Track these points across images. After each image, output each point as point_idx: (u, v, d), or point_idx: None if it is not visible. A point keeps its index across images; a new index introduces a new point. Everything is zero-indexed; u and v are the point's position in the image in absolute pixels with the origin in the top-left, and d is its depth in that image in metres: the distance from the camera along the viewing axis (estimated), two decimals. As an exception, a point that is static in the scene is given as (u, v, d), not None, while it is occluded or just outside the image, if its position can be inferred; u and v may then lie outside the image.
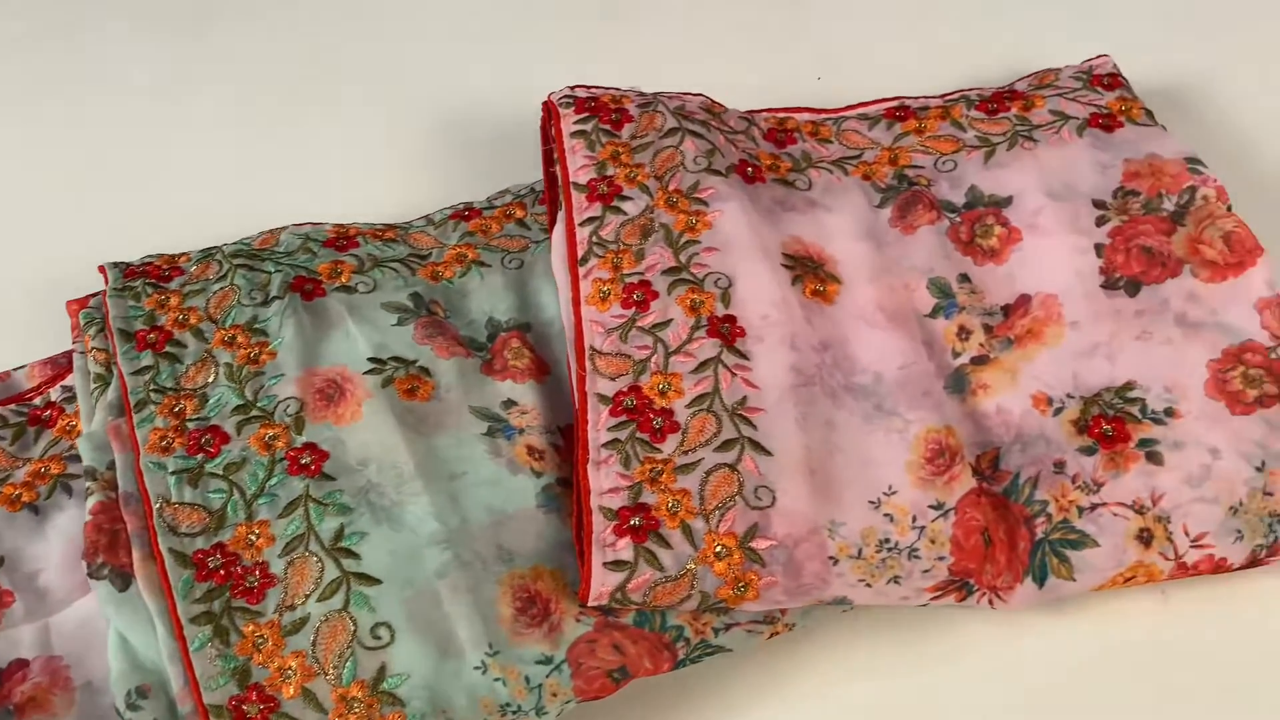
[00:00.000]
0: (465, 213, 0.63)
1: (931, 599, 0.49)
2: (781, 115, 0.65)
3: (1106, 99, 0.62)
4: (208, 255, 0.58)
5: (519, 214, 0.63)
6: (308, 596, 0.46)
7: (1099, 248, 0.56)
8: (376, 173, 0.70)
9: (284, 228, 0.61)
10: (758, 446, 0.49)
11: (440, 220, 0.63)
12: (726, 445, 0.49)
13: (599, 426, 0.50)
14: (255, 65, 0.76)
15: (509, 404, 0.53)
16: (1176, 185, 0.57)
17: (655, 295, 0.53)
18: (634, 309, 0.53)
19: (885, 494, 0.49)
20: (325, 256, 0.58)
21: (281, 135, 0.72)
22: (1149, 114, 0.62)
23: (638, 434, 0.49)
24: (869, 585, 0.48)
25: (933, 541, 0.48)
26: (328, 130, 0.72)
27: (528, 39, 0.77)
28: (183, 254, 0.59)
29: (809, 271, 0.56)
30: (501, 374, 0.54)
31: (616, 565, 0.46)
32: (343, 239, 0.60)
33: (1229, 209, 0.56)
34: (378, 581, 0.47)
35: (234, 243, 0.60)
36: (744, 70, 0.74)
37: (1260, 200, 0.62)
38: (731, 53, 0.75)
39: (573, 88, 0.62)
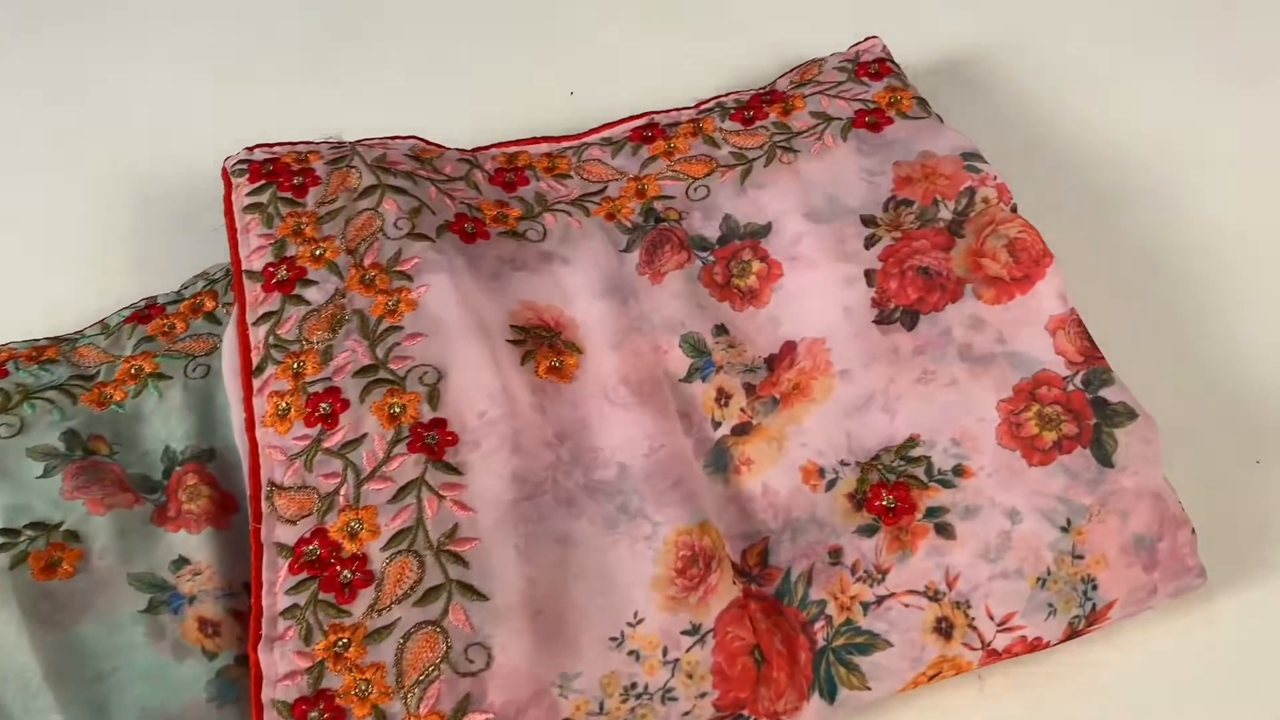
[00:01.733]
0: (146, 311, 0.52)
1: (701, 741, 0.41)
2: (513, 150, 0.55)
3: (873, 90, 0.54)
4: None
5: (209, 305, 0.52)
6: None
7: (870, 275, 0.48)
8: (56, 265, 0.58)
9: (-84, 361, 0.50)
10: (469, 590, 0.40)
11: (115, 325, 0.52)
12: (430, 595, 0.40)
13: (276, 589, 0.40)
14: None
15: (180, 563, 0.43)
16: (953, 188, 0.50)
17: (345, 406, 0.44)
18: (319, 426, 0.44)
19: (630, 624, 0.40)
20: (-40, 396, 0.48)
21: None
22: (922, 103, 0.54)
23: (320, 595, 0.40)
24: (619, 743, 0.39)
25: (690, 676, 0.40)
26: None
27: (242, 88, 0.65)
28: None
29: (543, 344, 0.47)
30: (175, 522, 0.44)
31: (288, 781, 0.37)
32: (-12, 368, 0.49)
33: (1014, 210, 0.49)
34: (-8, 843, 0.37)
35: None
36: (486, 94, 0.64)
37: (1051, 192, 0.55)
38: (471, 75, 0.65)
39: (251, 149, 0.52)
